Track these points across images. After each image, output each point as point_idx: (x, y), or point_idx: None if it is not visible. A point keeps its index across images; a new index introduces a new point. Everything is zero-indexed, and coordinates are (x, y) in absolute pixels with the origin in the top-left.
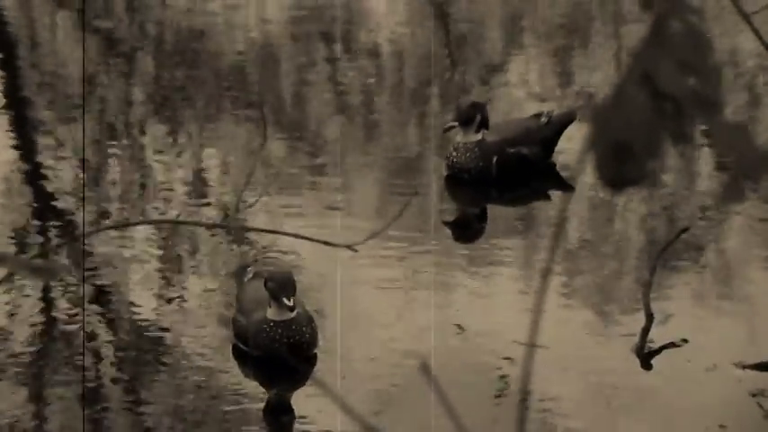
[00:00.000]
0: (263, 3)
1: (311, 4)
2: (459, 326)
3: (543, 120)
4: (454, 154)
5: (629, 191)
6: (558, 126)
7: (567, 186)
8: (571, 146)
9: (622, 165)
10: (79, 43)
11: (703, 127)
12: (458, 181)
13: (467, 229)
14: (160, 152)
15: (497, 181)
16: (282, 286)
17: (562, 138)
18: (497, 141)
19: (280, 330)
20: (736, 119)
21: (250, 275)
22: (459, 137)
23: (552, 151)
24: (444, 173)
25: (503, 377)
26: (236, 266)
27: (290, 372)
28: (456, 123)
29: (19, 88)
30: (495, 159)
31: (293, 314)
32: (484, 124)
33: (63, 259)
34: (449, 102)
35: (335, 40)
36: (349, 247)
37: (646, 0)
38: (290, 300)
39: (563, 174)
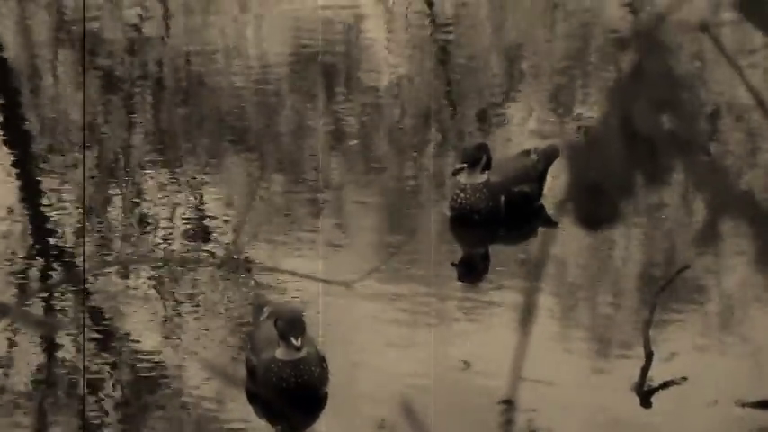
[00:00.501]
0: (263, 42)
1: (311, 44)
2: (465, 361)
3: (533, 157)
4: (462, 195)
5: (603, 230)
6: (546, 162)
7: (551, 223)
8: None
9: (597, 204)
10: (80, 82)
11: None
12: (463, 222)
13: (472, 269)
14: (161, 190)
15: (505, 220)
16: (291, 325)
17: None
18: (502, 181)
19: (288, 370)
20: (713, 159)
21: (265, 315)
22: (463, 178)
23: (543, 187)
24: (449, 214)
25: (503, 402)
26: (253, 306)
27: (300, 411)
28: (465, 165)
29: (20, 128)
30: (502, 199)
31: (301, 354)
32: (488, 165)
33: (63, 301)
34: (448, 140)
35: (335, 78)
36: (346, 284)
37: (621, 41)
38: (297, 339)
39: (557, 211)
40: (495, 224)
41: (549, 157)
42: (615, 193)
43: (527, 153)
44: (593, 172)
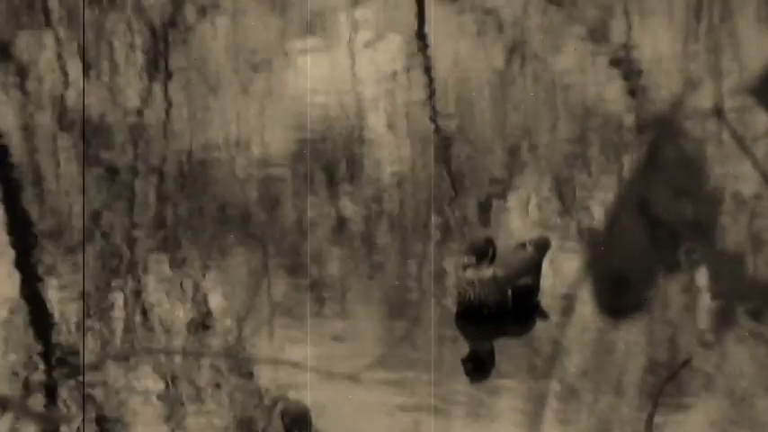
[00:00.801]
0: (265, 134)
1: (313, 136)
2: None
3: (529, 249)
4: (470, 290)
5: (627, 319)
6: (540, 254)
7: (544, 315)
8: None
9: (619, 293)
10: (82, 174)
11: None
12: (472, 317)
13: (481, 365)
14: (163, 283)
15: (512, 314)
16: (295, 422)
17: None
18: (508, 274)
19: None
20: (731, 247)
21: (278, 410)
22: (470, 273)
23: (540, 279)
24: (455, 309)
25: None
26: (267, 400)
27: None
28: (474, 259)
29: (21, 221)
30: (509, 292)
31: None
32: (493, 258)
33: (65, 395)
34: (450, 232)
35: (337, 170)
36: (350, 376)
37: (640, 125)
38: None
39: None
40: (502, 318)
41: (542, 248)
42: (637, 282)
43: (523, 246)
44: (613, 261)
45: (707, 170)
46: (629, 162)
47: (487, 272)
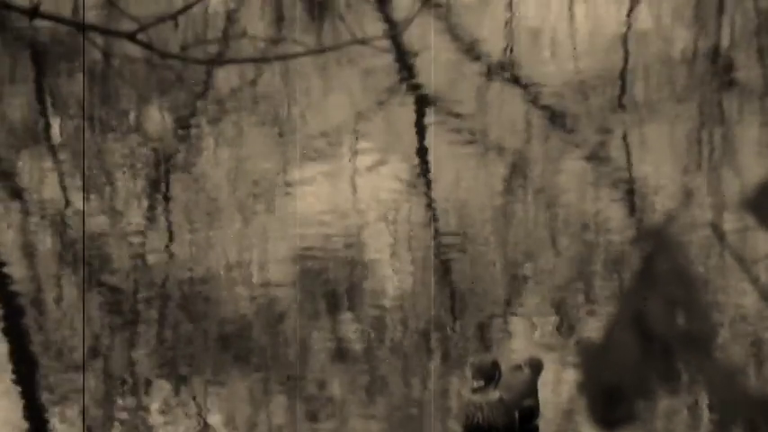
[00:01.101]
0: (266, 258)
1: (314, 259)
2: None
3: (525, 370)
4: (479, 414)
5: (621, 431)
6: (536, 375)
7: None
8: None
9: (613, 406)
10: (86, 301)
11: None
12: None
13: None
14: (164, 406)
15: None
16: None
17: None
18: (513, 396)
19: None
20: (730, 361)
21: None
22: (476, 396)
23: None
24: None
25: None
26: None
27: None
28: (483, 383)
29: (23, 347)
30: (516, 414)
31: None
32: (498, 381)
33: None
34: (450, 357)
35: (339, 295)
36: None
37: (636, 238)
38: None
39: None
40: None
41: (537, 369)
42: (631, 394)
43: (519, 367)
44: (607, 373)
45: (701, 283)
46: (627, 277)
47: (494, 395)
